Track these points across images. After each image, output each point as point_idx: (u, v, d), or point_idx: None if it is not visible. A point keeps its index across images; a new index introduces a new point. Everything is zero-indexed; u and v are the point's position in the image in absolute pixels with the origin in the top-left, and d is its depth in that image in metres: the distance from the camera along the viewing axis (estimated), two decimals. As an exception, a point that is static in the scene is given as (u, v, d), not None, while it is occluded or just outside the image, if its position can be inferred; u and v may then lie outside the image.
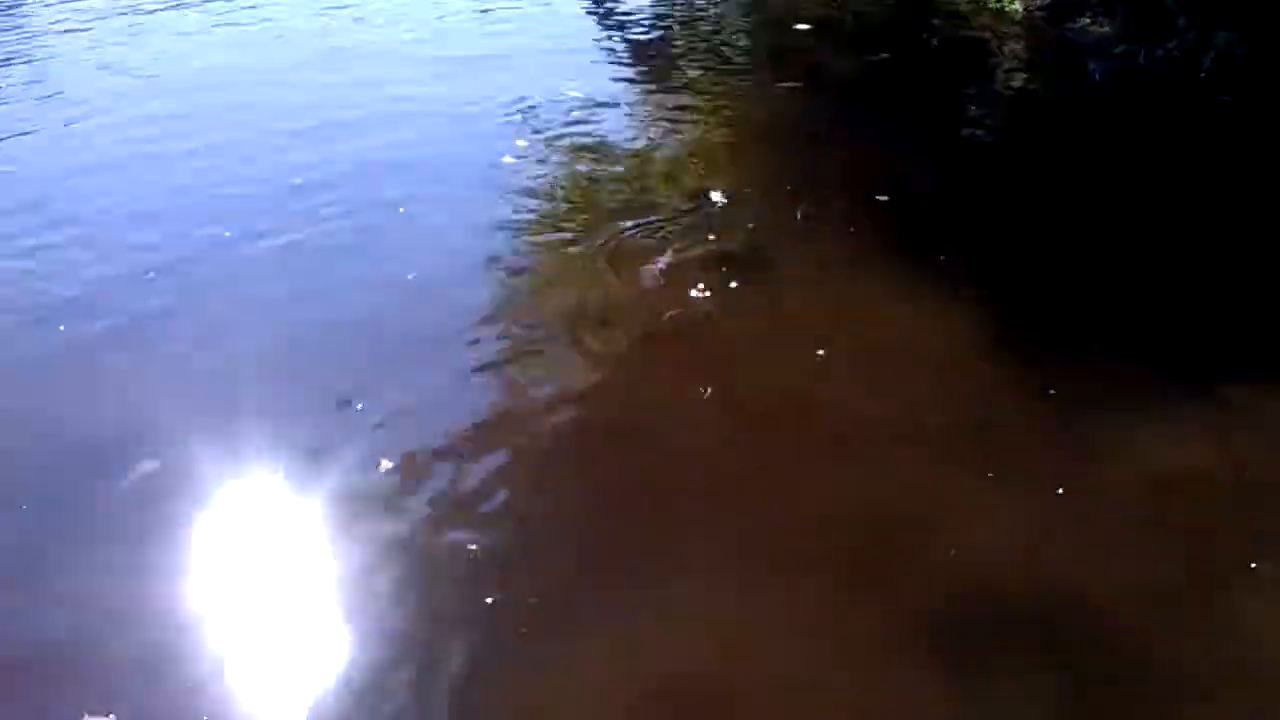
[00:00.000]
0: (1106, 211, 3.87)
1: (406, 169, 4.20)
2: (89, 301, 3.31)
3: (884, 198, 3.95)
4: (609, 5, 6.60)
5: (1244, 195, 3.99)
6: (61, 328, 3.17)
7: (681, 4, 6.73)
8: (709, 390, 2.90)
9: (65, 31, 6.04)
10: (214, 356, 3.04)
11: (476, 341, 3.14)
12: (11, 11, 6.47)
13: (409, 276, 3.42)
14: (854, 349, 3.13)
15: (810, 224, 3.80)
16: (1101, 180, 4.10)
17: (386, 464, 2.64)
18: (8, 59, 5.58)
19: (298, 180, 4.05)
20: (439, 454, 2.69)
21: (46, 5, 6.51)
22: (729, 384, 2.95)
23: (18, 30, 6.09)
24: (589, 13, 6.45)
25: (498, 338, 3.19)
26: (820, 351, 3.06)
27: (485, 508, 2.55)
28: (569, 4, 6.61)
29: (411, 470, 2.64)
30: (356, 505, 2.54)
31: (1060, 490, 2.56)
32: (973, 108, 4.88)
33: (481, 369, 3.03)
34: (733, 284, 3.40)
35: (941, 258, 3.52)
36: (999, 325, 3.18)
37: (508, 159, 4.29)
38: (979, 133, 4.59)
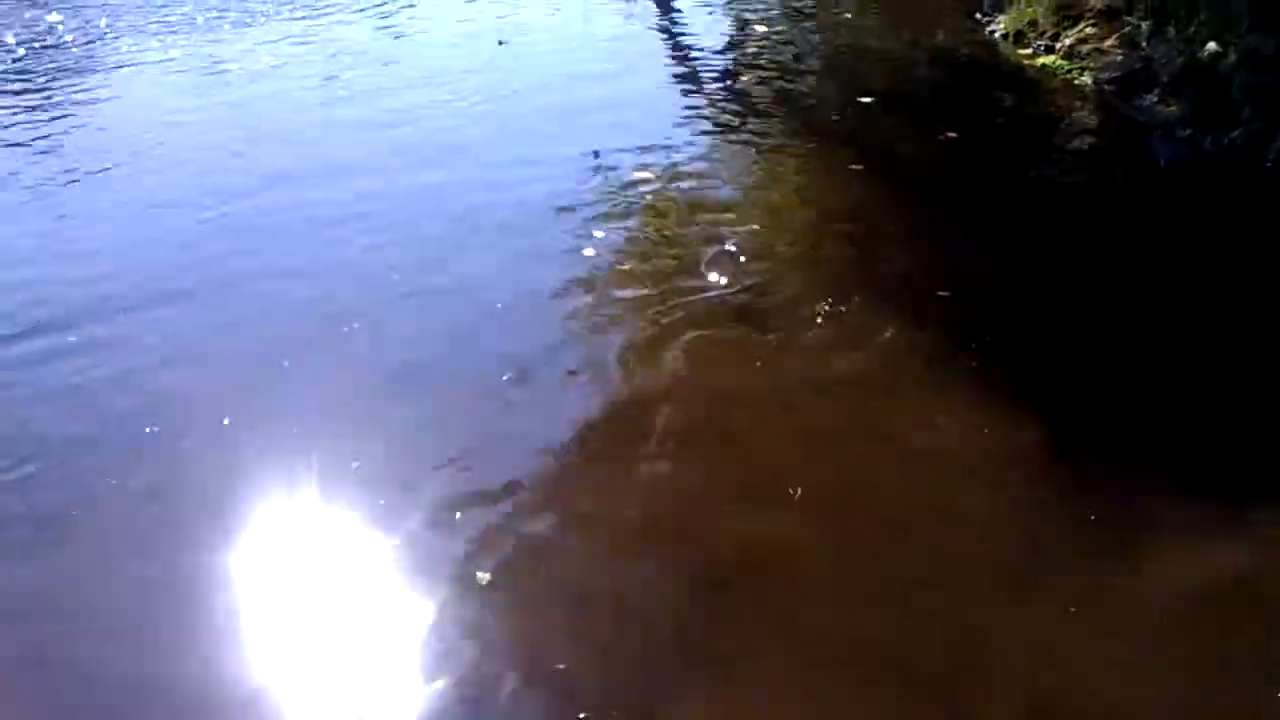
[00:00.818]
0: (1164, 312, 3.97)
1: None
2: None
3: (945, 293, 4.11)
4: (684, 69, 6.85)
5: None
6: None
7: (751, 67, 6.89)
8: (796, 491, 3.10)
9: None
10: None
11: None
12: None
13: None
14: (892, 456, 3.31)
15: (867, 320, 3.98)
16: (1161, 278, 4.19)
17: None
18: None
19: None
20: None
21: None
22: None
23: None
24: (670, 70, 6.72)
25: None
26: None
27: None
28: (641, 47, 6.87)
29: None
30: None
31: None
32: (1037, 194, 4.96)
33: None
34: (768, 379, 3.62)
35: (996, 361, 3.66)
36: (1048, 439, 3.32)
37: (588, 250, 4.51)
38: (1042, 223, 4.67)
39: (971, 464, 3.27)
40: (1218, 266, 4.27)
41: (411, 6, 8.26)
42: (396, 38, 7.54)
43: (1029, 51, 6.60)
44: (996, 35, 6.94)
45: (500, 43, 7.09)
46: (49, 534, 3.04)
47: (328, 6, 8.21)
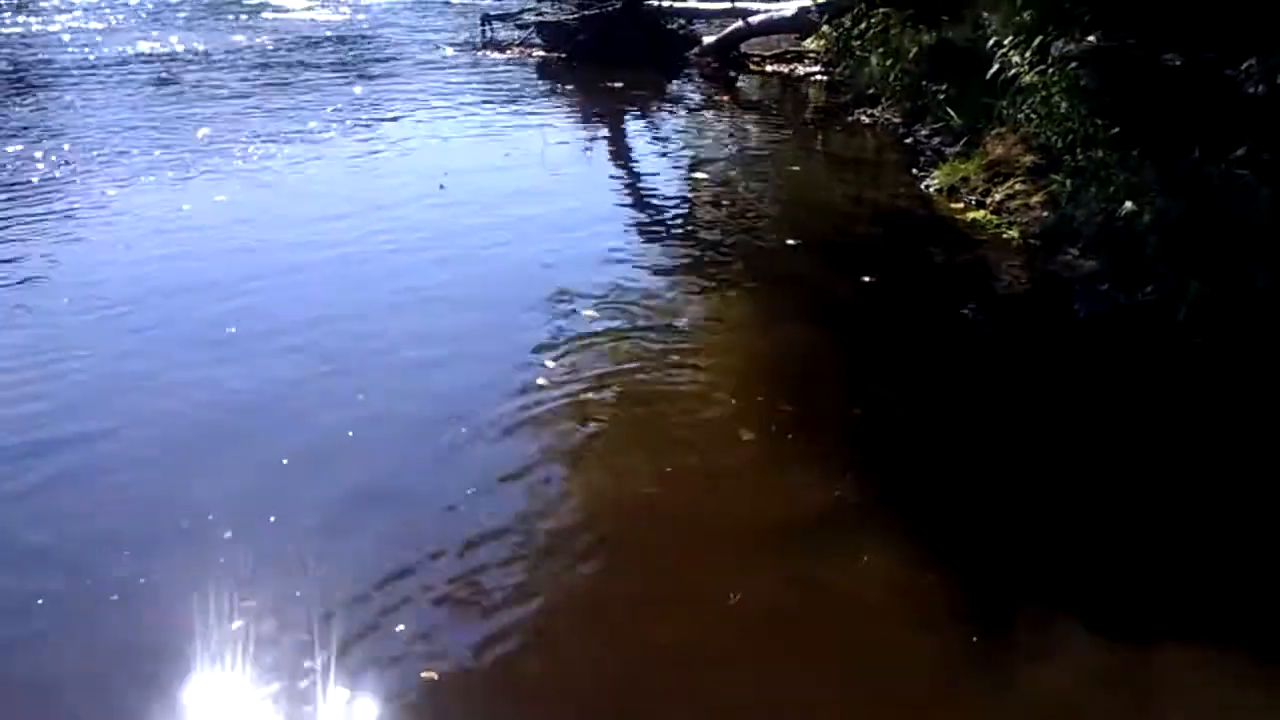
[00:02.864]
0: (1074, 456, 4.10)
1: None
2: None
3: (862, 434, 4.24)
4: (635, 214, 7.09)
5: (1206, 442, 4.21)
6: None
7: (700, 213, 7.14)
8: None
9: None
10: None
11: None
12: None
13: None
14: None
15: (789, 461, 4.09)
16: (1072, 424, 4.34)
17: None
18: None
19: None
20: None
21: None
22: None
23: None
24: (621, 214, 6.96)
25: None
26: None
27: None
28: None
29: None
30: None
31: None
32: (961, 340, 5.14)
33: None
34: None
35: (907, 503, 3.76)
36: (954, 580, 3.40)
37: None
38: (963, 369, 4.83)
39: (883, 602, 3.35)
40: (1125, 414, 4.43)
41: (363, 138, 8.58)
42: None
43: (961, 205, 6.89)
44: (932, 190, 7.25)
45: (441, 186, 7.27)
46: None
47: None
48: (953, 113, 7.92)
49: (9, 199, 7.02)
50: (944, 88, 8.38)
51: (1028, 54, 7.32)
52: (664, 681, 3.03)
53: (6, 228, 6.46)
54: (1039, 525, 3.70)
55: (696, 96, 11.02)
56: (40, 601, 3.22)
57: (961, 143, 7.62)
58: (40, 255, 6.01)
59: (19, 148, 8.21)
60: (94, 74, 11.43)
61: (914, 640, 3.21)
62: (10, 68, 11.79)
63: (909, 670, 3.09)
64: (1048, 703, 2.96)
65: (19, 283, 5.62)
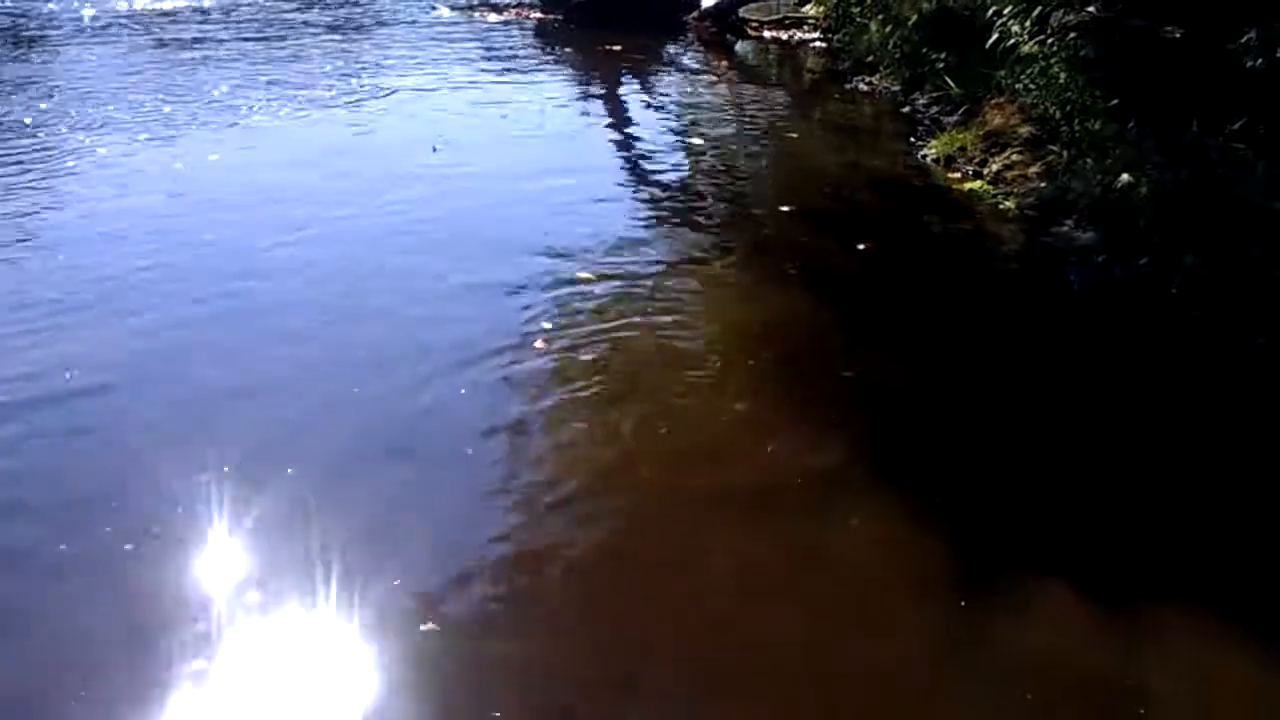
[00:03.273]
0: (1065, 424, 4.13)
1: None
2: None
3: (858, 401, 4.27)
4: (633, 179, 7.08)
5: (1197, 412, 4.25)
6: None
7: (698, 180, 7.14)
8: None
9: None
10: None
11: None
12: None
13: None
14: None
15: (780, 427, 4.12)
16: (1063, 394, 4.37)
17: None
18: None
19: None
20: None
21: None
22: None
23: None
24: (619, 179, 6.94)
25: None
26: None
27: None
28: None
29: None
30: None
31: None
32: (956, 309, 5.14)
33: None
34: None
35: (900, 469, 3.79)
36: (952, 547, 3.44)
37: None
38: (956, 337, 4.85)
39: (875, 566, 3.39)
40: (1118, 384, 4.46)
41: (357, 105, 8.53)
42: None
43: (958, 175, 6.89)
44: (929, 160, 7.24)
45: (435, 149, 7.23)
46: None
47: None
48: (951, 82, 7.90)
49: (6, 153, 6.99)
50: (943, 56, 8.36)
51: (1027, 24, 7.30)
52: (656, 641, 3.07)
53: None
54: (1030, 492, 3.73)
55: (694, 61, 10.98)
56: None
57: (960, 112, 7.61)
58: (29, 213, 5.98)
59: (20, 104, 8.15)
60: (90, 31, 11.33)
61: (905, 604, 3.24)
62: (10, 23, 11.67)
63: (900, 633, 3.12)
64: (1039, 665, 2.99)
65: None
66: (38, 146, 7.15)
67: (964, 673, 2.99)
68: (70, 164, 6.82)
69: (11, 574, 3.18)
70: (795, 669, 2.98)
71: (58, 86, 8.77)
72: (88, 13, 12.19)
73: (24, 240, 5.62)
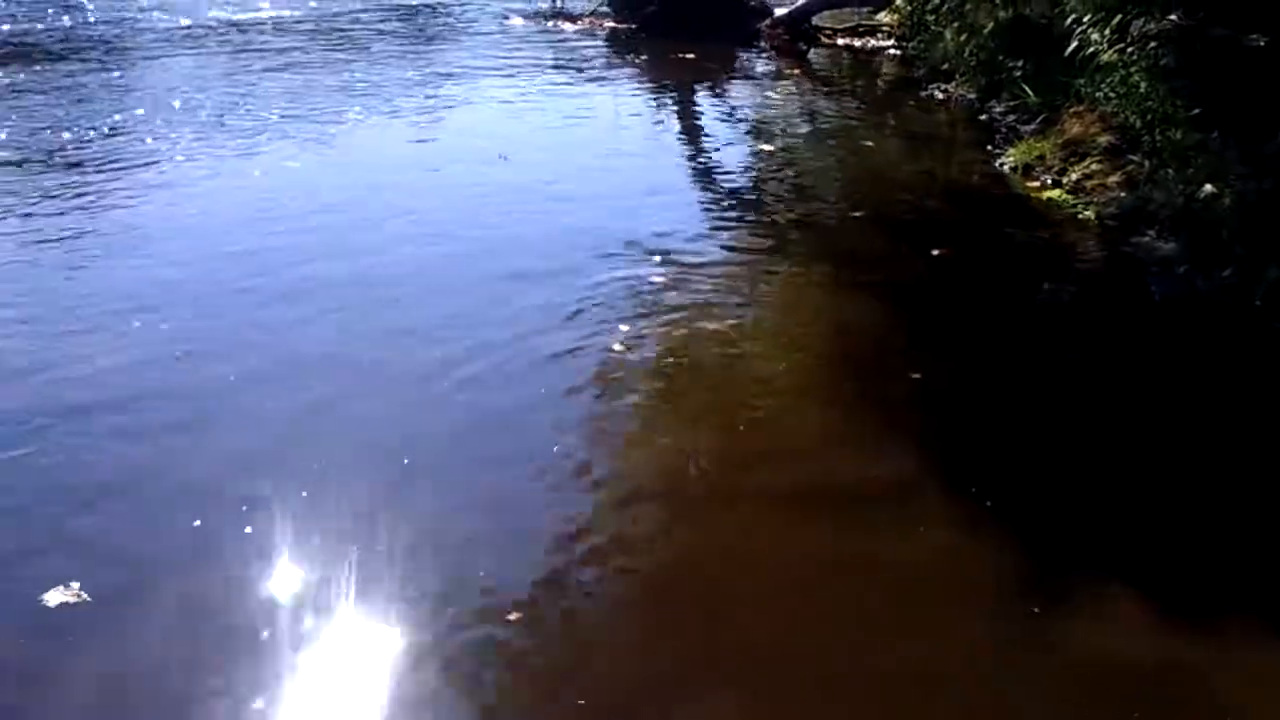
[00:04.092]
0: (1143, 436, 4.10)
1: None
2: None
3: (935, 409, 4.28)
4: (705, 184, 7.14)
5: (1277, 426, 4.20)
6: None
7: (770, 185, 7.17)
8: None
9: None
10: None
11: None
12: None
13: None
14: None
15: (857, 434, 4.14)
16: (1143, 404, 4.33)
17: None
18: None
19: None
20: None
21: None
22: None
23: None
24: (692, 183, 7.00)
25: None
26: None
27: None
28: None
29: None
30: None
31: None
32: (1036, 318, 5.13)
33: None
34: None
35: (979, 481, 3.79)
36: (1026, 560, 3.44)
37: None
38: (1037, 346, 4.83)
39: (942, 572, 3.40)
40: (1196, 395, 4.42)
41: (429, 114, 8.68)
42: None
43: (1036, 184, 6.85)
44: (1006, 168, 7.20)
45: (503, 157, 7.33)
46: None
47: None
48: (1029, 90, 7.85)
49: (96, 161, 7.23)
50: (1020, 64, 8.30)
51: (1107, 32, 7.23)
52: (716, 636, 3.11)
53: (91, 189, 6.66)
54: (1103, 502, 3.71)
55: (767, 69, 11.00)
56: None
57: (1038, 120, 7.55)
58: (117, 218, 6.16)
59: (110, 110, 8.42)
60: (176, 40, 11.64)
61: (972, 610, 3.24)
62: (101, 32, 12.04)
63: (966, 640, 3.13)
64: (1106, 677, 2.98)
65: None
66: (126, 152, 7.37)
67: (1030, 679, 2.98)
68: (153, 172, 6.99)
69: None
70: (855, 671, 3.00)
71: (145, 94, 9.03)
72: (173, 22, 12.53)
73: (107, 240, 5.83)
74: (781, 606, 3.26)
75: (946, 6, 9.93)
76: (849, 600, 3.28)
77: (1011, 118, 8.00)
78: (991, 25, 9.01)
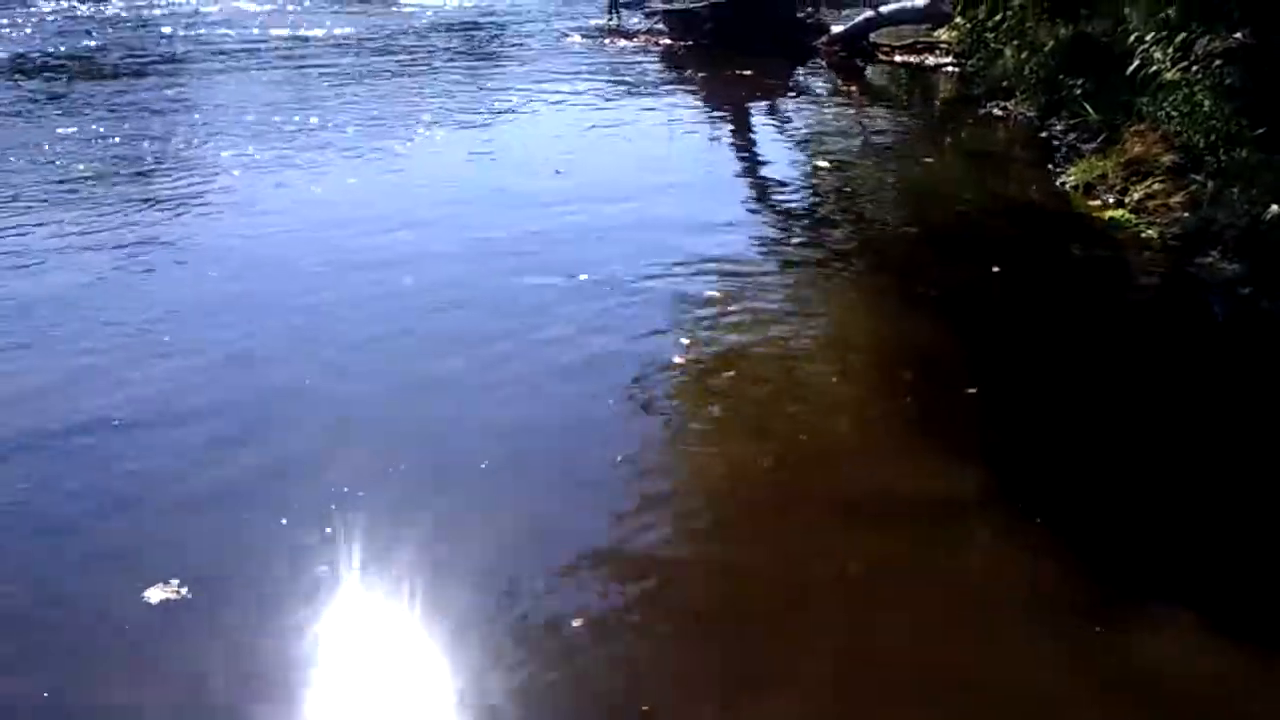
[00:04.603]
0: (1201, 455, 4.04)
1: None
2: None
3: (991, 425, 4.26)
4: (761, 200, 7.16)
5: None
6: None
7: (828, 200, 7.17)
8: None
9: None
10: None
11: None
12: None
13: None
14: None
15: (915, 452, 4.13)
16: (1208, 427, 4.27)
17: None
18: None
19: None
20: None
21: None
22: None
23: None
24: (747, 197, 7.02)
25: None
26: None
27: None
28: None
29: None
30: None
31: None
32: (1097, 336, 5.07)
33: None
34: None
35: (1037, 498, 3.77)
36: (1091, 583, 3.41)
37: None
38: (1091, 366, 4.77)
39: (996, 588, 3.38)
40: (1258, 413, 4.33)
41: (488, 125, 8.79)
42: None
43: (1097, 203, 6.79)
44: (1067, 187, 7.15)
45: (557, 172, 7.41)
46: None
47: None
48: (1090, 108, 7.79)
49: (162, 174, 7.40)
50: (1081, 82, 8.24)
51: (1170, 50, 7.18)
52: (771, 645, 3.11)
53: (158, 202, 6.82)
54: (1162, 520, 3.65)
55: (824, 86, 11.01)
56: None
57: (1099, 139, 7.49)
58: (176, 232, 6.27)
59: (171, 125, 8.62)
60: (232, 57, 11.90)
61: (1033, 627, 3.20)
62: (168, 49, 12.33)
63: (1024, 655, 3.09)
64: (1171, 696, 2.95)
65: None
66: (194, 166, 7.56)
67: (1087, 695, 2.96)
68: (217, 186, 7.14)
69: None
70: (910, 681, 2.98)
71: (212, 109, 9.25)
72: (241, 40, 12.81)
73: (167, 248, 5.96)
74: (837, 616, 3.25)
75: (1006, 24, 9.90)
76: (903, 613, 3.26)
77: (1072, 136, 7.94)
78: (1052, 43, 8.97)
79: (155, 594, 3.14)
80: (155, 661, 2.96)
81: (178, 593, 3.15)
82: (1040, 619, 3.24)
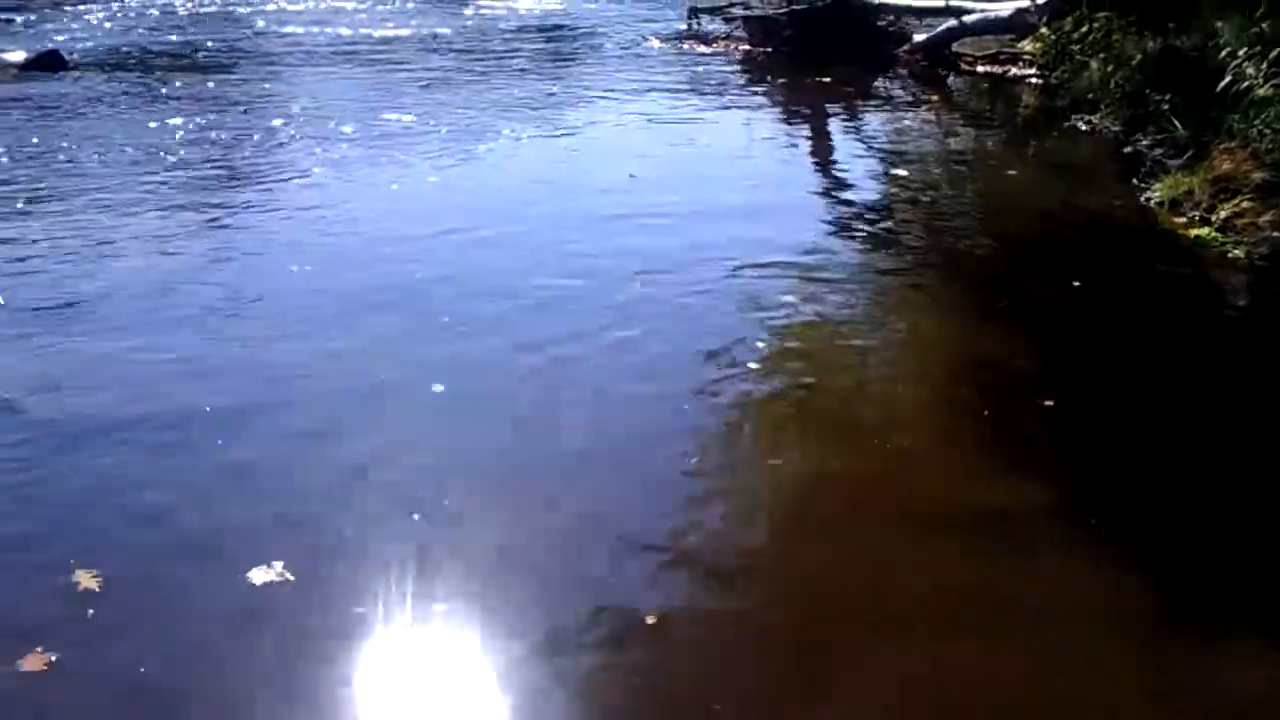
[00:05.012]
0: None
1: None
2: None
3: (1068, 442, 4.21)
4: (838, 207, 7.13)
5: None
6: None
7: (905, 209, 7.13)
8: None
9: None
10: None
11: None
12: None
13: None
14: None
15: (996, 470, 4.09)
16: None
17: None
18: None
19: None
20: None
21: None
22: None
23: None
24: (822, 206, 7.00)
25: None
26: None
27: None
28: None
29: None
30: None
31: None
32: (1171, 355, 4.99)
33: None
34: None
35: (1096, 517, 3.72)
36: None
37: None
38: (1173, 383, 4.70)
39: (1070, 604, 3.34)
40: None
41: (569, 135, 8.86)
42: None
43: (1183, 220, 6.66)
44: (1151, 203, 7.02)
45: (631, 175, 7.45)
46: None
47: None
48: (1177, 123, 7.64)
49: (246, 169, 7.58)
50: (1168, 97, 8.08)
51: (1264, 66, 7.01)
52: (840, 655, 3.13)
53: (242, 196, 6.98)
54: (1249, 543, 3.59)
55: (904, 95, 10.92)
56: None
57: (1186, 155, 7.34)
58: (267, 227, 6.45)
59: (257, 123, 8.82)
60: (314, 57, 12.11)
61: (1113, 645, 3.16)
62: (253, 46, 12.61)
63: (1103, 681, 3.05)
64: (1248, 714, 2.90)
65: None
66: (277, 163, 7.74)
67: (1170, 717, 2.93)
68: (298, 184, 7.28)
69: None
70: (983, 705, 2.97)
71: (296, 106, 9.43)
72: (326, 39, 13.03)
73: (251, 242, 6.15)
74: (908, 629, 3.24)
75: (1093, 36, 9.74)
76: (976, 629, 3.25)
77: (1158, 151, 7.79)
78: (1139, 57, 8.81)
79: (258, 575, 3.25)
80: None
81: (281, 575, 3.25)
82: (1120, 640, 3.20)
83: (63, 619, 3.08)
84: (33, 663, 2.89)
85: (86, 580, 3.21)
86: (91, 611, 3.12)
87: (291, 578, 3.24)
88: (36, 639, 2.96)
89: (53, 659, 2.91)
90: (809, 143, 9.34)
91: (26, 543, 3.45)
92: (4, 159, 7.59)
